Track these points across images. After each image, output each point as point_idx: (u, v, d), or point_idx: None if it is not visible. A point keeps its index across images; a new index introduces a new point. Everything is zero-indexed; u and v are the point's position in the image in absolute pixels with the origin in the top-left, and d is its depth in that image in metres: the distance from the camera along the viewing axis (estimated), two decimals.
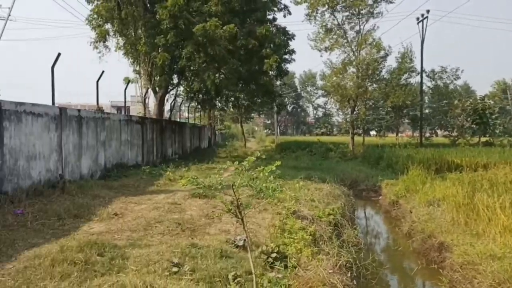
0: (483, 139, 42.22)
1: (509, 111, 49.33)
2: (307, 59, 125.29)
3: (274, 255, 7.18)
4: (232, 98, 36.23)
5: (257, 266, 6.65)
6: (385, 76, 38.10)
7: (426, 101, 52.24)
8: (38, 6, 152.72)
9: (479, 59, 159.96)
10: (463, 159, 21.89)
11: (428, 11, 38.33)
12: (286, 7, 28.39)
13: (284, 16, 28.69)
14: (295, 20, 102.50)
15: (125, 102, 22.93)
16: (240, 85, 29.54)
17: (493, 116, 43.53)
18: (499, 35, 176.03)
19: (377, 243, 13.78)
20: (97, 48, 24.76)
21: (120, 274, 5.83)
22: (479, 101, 43.87)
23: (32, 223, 8.67)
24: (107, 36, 24.08)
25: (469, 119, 42.01)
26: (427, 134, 51.64)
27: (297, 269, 7.01)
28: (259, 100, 35.26)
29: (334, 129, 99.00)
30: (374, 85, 37.57)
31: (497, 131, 46.29)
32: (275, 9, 28.11)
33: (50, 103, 13.96)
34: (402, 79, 39.06)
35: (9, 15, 20.71)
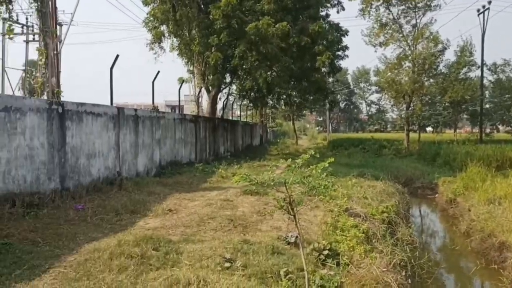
0: None
1: None
2: (361, 55, 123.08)
3: (326, 252, 7.15)
4: (284, 96, 36.22)
5: (309, 263, 6.64)
6: (442, 71, 36.77)
7: (487, 96, 49.95)
8: (98, 11, 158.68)
9: None
10: None
11: (489, 2, 36.55)
12: (339, 2, 28.15)
13: (338, 12, 28.45)
14: (348, 16, 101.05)
15: (179, 101, 23.46)
16: (292, 82, 29.52)
17: None
18: None
19: (433, 242, 13.44)
20: (153, 49, 25.64)
21: (174, 268, 5.98)
22: None
23: (92, 218, 9.07)
24: (162, 37, 24.83)
25: None
26: (488, 130, 49.39)
27: (349, 266, 6.95)
28: (311, 97, 35.12)
29: (388, 126, 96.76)
30: (431, 80, 36.39)
31: None
32: (328, 5, 27.92)
33: (108, 103, 14.51)
34: (461, 73, 37.53)
35: (72, 20, 21.64)
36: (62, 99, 12.55)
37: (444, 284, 9.33)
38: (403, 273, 7.48)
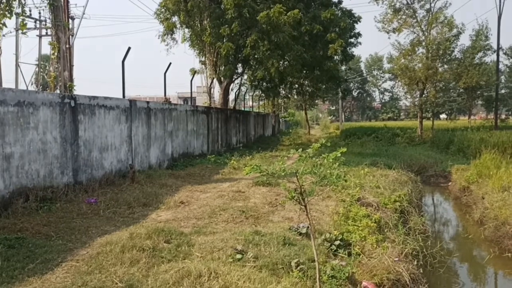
0: None
1: None
2: (374, 42, 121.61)
3: (337, 242, 7.14)
4: (296, 85, 36.06)
5: (320, 253, 6.64)
6: (457, 56, 36.21)
7: (503, 81, 49.28)
8: (111, 4, 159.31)
9: None
10: None
11: None
12: None
13: None
14: (361, 2, 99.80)
15: (191, 92, 23.45)
16: (304, 71, 29.35)
17: None
18: None
19: (446, 231, 13.37)
20: (164, 40, 25.62)
21: (186, 261, 6.01)
22: None
23: (104, 211, 9.16)
24: (174, 28, 24.78)
25: None
26: (503, 116, 48.84)
27: (361, 256, 6.92)
28: (324, 86, 34.87)
29: (402, 114, 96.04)
30: (445, 66, 35.83)
31: None
32: None
33: (120, 96, 14.57)
34: (476, 58, 36.94)
35: (84, 13, 21.77)
36: (78, 92, 12.66)
37: (457, 273, 9.26)
38: (415, 263, 7.43)
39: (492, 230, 10.56)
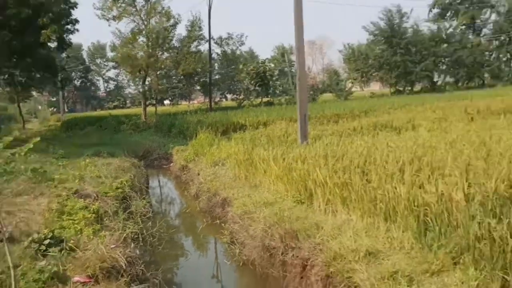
0: (265, 99, 46.59)
1: (287, 73, 54.61)
2: (97, 29, 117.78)
3: (47, 241, 6.52)
4: (6, 75, 32.27)
5: (26, 257, 6.02)
6: (175, 45, 38.21)
7: (216, 68, 54.33)
8: None
9: (264, 26, 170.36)
10: (247, 119, 23.49)
11: None
12: None
13: None
14: None
15: None
16: (14, 59, 26.43)
17: (274, 78, 47.74)
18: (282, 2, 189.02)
19: (168, 209, 14.12)
20: None
21: None
22: (260, 64, 47.42)
23: None
24: None
25: (253, 82, 45.31)
26: (217, 99, 54.03)
27: (75, 251, 6.50)
28: (39, 76, 32.21)
29: (128, 102, 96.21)
30: (166, 54, 37.45)
31: (277, 91, 51.32)
32: None
33: None
34: (192, 46, 39.72)
35: None
36: None
37: (176, 245, 9.86)
38: (133, 245, 7.41)
39: (206, 202, 11.42)
